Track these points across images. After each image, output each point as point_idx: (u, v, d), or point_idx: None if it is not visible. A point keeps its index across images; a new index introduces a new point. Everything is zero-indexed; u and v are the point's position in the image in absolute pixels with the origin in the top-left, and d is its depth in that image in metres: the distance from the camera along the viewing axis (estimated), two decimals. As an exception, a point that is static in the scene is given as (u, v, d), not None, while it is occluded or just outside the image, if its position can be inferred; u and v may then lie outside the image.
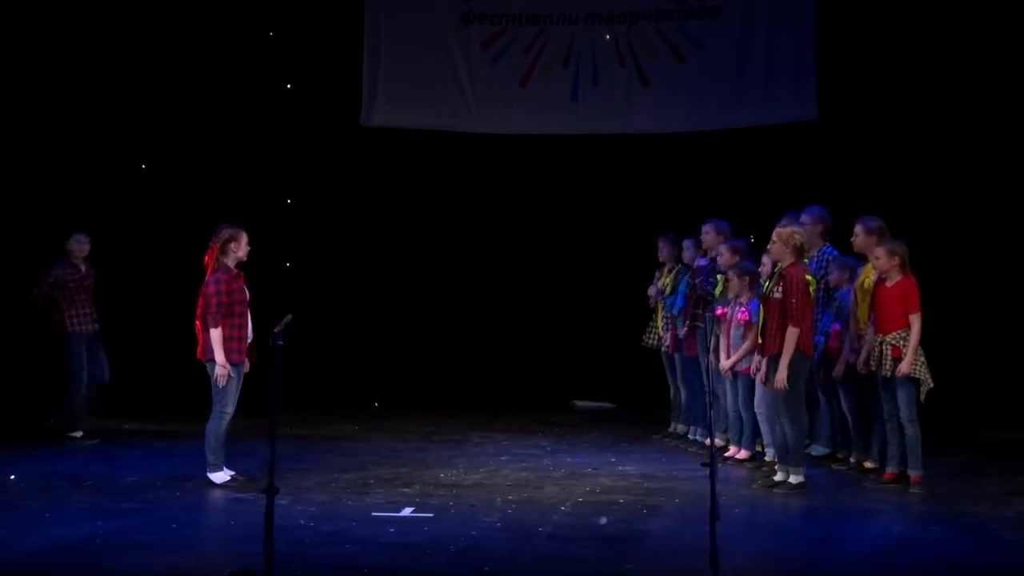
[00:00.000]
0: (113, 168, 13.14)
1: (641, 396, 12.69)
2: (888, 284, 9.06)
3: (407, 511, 8.22)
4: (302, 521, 7.87)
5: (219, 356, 8.83)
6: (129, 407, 12.53)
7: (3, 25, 12.43)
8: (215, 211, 12.05)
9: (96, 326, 11.22)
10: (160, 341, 12.63)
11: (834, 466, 9.83)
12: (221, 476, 8.98)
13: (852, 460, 9.76)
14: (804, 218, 9.74)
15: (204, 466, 9.03)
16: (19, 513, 8.11)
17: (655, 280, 11.38)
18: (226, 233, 8.97)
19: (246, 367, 9.11)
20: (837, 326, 9.68)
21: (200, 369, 9.04)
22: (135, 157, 13.26)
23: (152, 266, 13.03)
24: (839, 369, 9.64)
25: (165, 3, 13.08)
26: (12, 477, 9.14)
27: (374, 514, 8.14)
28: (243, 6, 13.26)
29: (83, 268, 11.15)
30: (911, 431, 9.00)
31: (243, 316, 8.96)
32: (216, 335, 8.82)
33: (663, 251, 11.31)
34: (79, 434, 10.95)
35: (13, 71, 12.52)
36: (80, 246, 11.12)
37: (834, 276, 9.76)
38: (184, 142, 13.26)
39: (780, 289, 8.80)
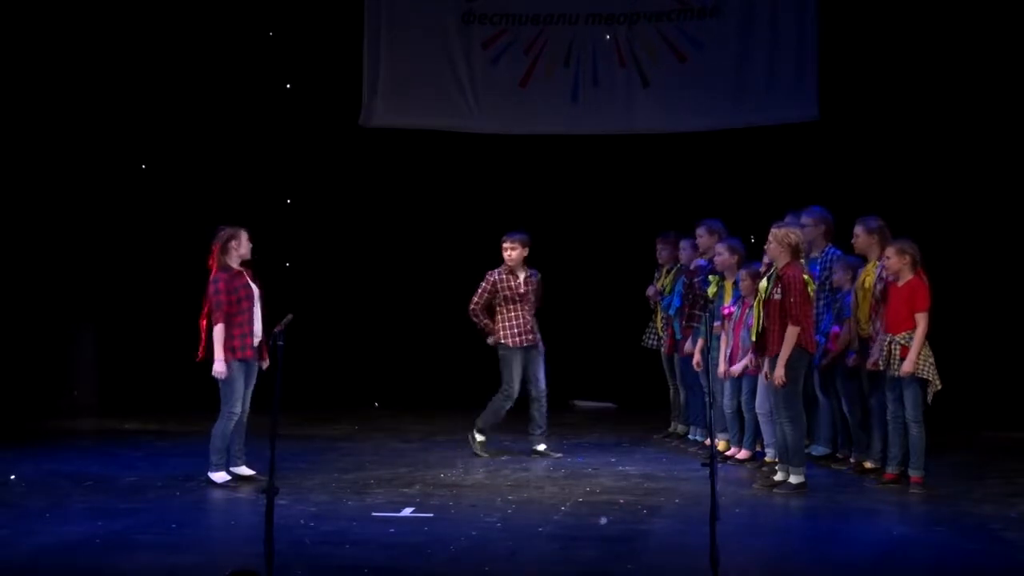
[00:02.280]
0: (113, 168, 13.14)
1: (642, 396, 12.68)
2: (899, 284, 9.03)
3: (407, 511, 8.22)
4: (302, 521, 7.87)
5: (217, 353, 8.84)
6: (129, 407, 12.55)
7: (3, 25, 12.42)
8: (215, 211, 12.08)
9: (532, 336, 10.42)
10: (161, 341, 12.64)
11: (834, 466, 9.82)
12: (222, 476, 8.98)
13: (852, 460, 9.75)
14: (805, 219, 9.73)
15: (204, 466, 9.04)
16: (19, 513, 8.11)
17: (655, 281, 11.39)
18: (225, 233, 9.02)
19: (266, 363, 9.10)
20: (837, 328, 9.67)
21: (201, 369, 9.04)
22: (135, 157, 13.26)
23: (152, 266, 13.03)
24: (824, 364, 9.64)
25: (165, 3, 13.07)
26: (12, 477, 9.14)
27: (374, 514, 8.14)
28: (243, 6, 13.26)
29: (520, 275, 10.52)
30: (916, 431, 8.99)
31: (249, 312, 8.98)
32: (215, 333, 8.84)
33: (662, 252, 11.32)
34: (543, 447, 10.40)
35: (13, 71, 12.50)
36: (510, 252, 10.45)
37: (837, 276, 9.74)
38: (184, 142, 13.26)
39: (779, 290, 8.80)
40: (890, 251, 9.07)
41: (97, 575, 6.79)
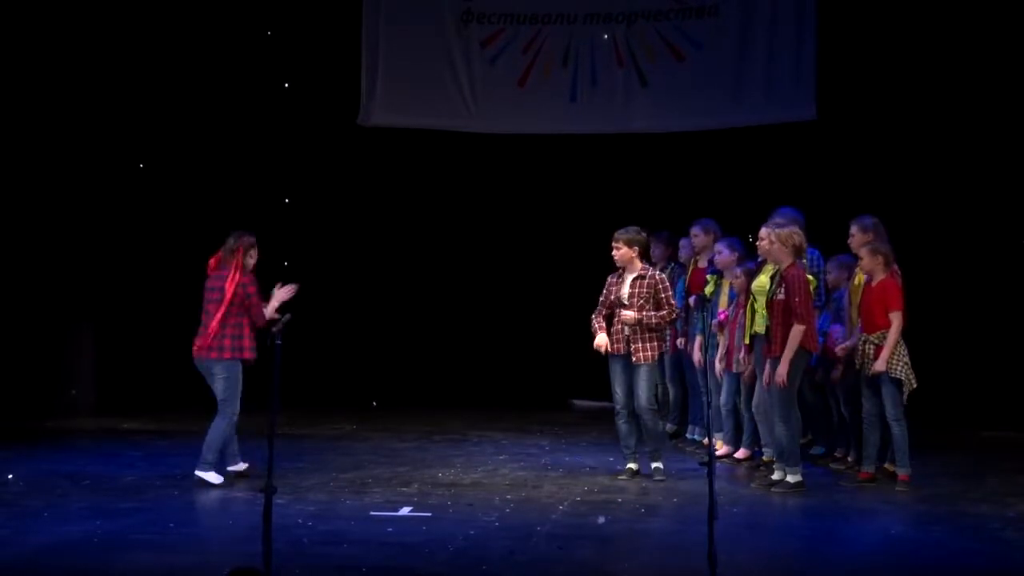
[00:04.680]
0: (111, 167, 13.13)
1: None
2: (872, 283, 9.09)
3: (405, 510, 8.22)
4: (300, 520, 7.87)
5: (268, 306, 9.00)
6: (128, 406, 12.54)
7: (3, 25, 12.41)
8: (214, 211, 12.10)
9: (619, 346, 9.49)
10: (159, 340, 12.63)
11: (832, 465, 9.83)
12: (215, 477, 8.98)
13: (851, 459, 9.76)
14: (777, 220, 9.64)
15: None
16: (18, 513, 8.10)
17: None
18: (248, 240, 9.12)
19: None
20: (837, 327, 9.67)
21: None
22: (133, 156, 13.26)
23: (151, 265, 13.02)
24: (835, 375, 9.63)
25: (164, 3, 13.07)
26: (10, 476, 9.14)
27: (372, 513, 8.14)
28: (242, 6, 13.26)
29: (628, 277, 9.55)
30: (897, 430, 9.03)
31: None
32: (266, 312, 8.96)
33: (655, 251, 11.32)
34: (656, 464, 9.48)
35: (12, 71, 12.50)
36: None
37: (833, 276, 9.76)
38: (182, 142, 13.25)
39: (783, 291, 8.81)
40: (863, 251, 9.13)
41: (96, 574, 6.79)
